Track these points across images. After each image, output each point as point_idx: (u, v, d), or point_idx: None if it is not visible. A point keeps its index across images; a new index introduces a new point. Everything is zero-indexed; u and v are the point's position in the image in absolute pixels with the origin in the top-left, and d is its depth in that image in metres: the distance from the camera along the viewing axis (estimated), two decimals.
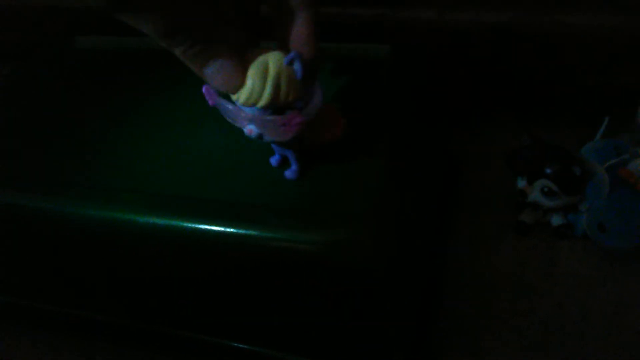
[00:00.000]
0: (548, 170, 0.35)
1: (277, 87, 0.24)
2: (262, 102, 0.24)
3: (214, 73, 0.23)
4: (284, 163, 0.29)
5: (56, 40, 0.46)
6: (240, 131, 0.26)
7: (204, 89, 0.26)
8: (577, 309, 0.33)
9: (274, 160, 0.29)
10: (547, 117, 0.45)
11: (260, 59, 0.24)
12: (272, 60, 0.24)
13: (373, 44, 0.37)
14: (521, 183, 0.36)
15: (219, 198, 0.27)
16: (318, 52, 0.25)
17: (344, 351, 0.29)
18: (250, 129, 0.25)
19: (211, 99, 0.26)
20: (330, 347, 0.29)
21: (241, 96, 0.24)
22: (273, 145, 0.28)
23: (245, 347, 0.31)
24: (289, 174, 0.28)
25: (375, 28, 0.45)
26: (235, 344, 0.32)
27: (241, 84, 0.24)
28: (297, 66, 0.24)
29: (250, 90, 0.24)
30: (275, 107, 0.24)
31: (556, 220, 0.37)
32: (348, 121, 0.28)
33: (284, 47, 0.25)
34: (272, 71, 0.24)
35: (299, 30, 0.25)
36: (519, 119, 0.45)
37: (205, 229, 0.26)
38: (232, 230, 0.25)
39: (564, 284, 0.34)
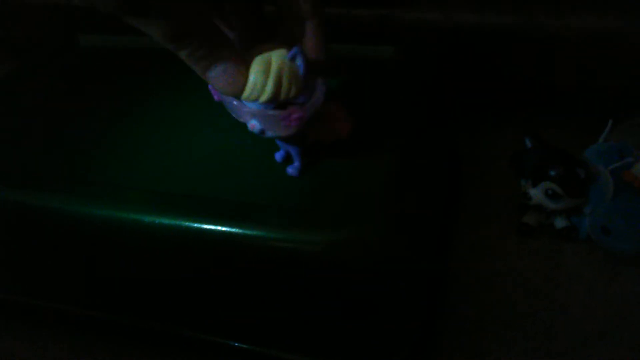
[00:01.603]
0: (552, 173, 0.35)
1: (279, 82, 0.24)
2: (264, 97, 0.24)
3: (218, 76, 0.24)
4: (289, 159, 0.29)
5: (59, 39, 0.46)
6: (244, 130, 0.26)
7: (210, 85, 0.26)
8: (581, 311, 0.33)
9: (278, 156, 0.29)
10: (551, 119, 0.45)
11: (264, 55, 0.24)
12: (275, 56, 0.24)
13: (378, 45, 0.37)
14: (525, 185, 0.36)
15: (222, 197, 0.27)
16: (326, 59, 0.25)
17: (346, 351, 0.29)
18: (252, 124, 0.25)
19: (217, 95, 0.26)
20: (332, 347, 0.29)
21: (244, 91, 0.24)
22: (277, 141, 0.28)
23: (248, 347, 0.31)
24: (291, 170, 0.28)
25: (381, 29, 0.45)
26: (238, 344, 0.31)
27: (244, 86, 0.24)
28: (299, 62, 0.24)
29: (253, 85, 0.24)
30: (277, 102, 0.24)
31: (560, 222, 0.37)
32: (354, 121, 0.28)
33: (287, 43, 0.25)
34: (274, 67, 0.24)
35: (310, 39, 0.25)
36: (523, 121, 0.45)
37: (209, 228, 0.26)
38: (235, 229, 0.25)
39: (567, 286, 0.34)
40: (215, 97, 0.26)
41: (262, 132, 0.25)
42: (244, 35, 0.28)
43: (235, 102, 0.25)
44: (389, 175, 0.28)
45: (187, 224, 0.26)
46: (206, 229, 0.26)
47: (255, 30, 0.28)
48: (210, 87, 0.26)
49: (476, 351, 0.31)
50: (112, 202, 0.28)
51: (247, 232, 0.25)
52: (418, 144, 0.33)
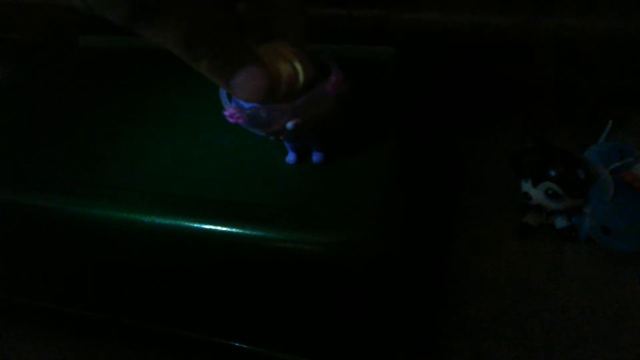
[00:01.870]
0: (552, 173, 0.34)
1: (303, 62, 0.24)
2: (301, 80, 0.24)
3: (243, 82, 0.22)
4: (301, 159, 0.29)
5: (60, 39, 0.46)
6: (244, 130, 0.26)
7: (226, 112, 0.25)
8: (581, 311, 0.33)
9: (290, 159, 0.29)
10: (551, 119, 0.45)
11: (273, 51, 0.24)
12: (281, 46, 0.24)
13: (377, 46, 0.37)
14: (525, 185, 0.36)
15: (223, 198, 0.27)
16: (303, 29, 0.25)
17: (346, 352, 0.29)
18: (295, 121, 0.25)
19: (239, 118, 0.25)
20: (332, 348, 0.29)
21: (280, 88, 0.24)
22: (286, 144, 0.28)
23: (248, 347, 0.31)
24: (316, 158, 0.29)
25: (379, 29, 0.45)
26: (238, 344, 0.31)
27: (269, 88, 0.23)
28: (304, 44, 0.24)
29: (287, 76, 0.24)
30: (307, 86, 0.25)
31: (560, 222, 0.37)
32: (352, 123, 0.28)
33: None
34: (289, 52, 0.24)
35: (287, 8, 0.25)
36: (522, 121, 0.45)
37: (209, 229, 0.26)
38: (237, 230, 0.25)
39: (568, 286, 0.34)
40: (234, 121, 0.26)
41: (302, 126, 0.25)
42: (255, 35, 0.26)
43: (266, 114, 0.25)
44: (387, 176, 0.28)
45: (187, 224, 0.26)
46: (207, 230, 0.26)
47: (265, 28, 0.28)
48: (227, 114, 0.25)
49: (476, 352, 0.31)
50: (112, 203, 0.28)
51: (248, 232, 0.25)
52: (417, 145, 0.33)
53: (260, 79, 0.23)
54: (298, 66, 0.24)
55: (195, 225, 0.26)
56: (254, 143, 0.29)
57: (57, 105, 0.38)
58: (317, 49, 0.26)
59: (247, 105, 0.25)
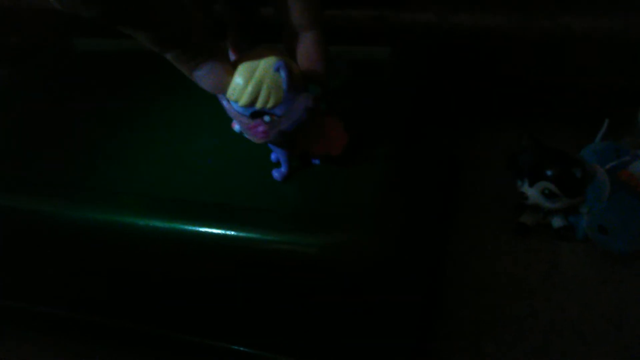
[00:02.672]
0: (548, 172, 0.35)
1: (258, 90, 0.24)
2: (242, 101, 0.24)
3: (204, 76, 0.24)
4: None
5: (55, 43, 0.46)
6: (240, 134, 0.26)
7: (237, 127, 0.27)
8: (578, 311, 0.33)
9: (274, 157, 0.29)
10: (547, 119, 0.45)
11: (253, 61, 0.24)
12: (262, 63, 0.24)
13: (374, 47, 0.37)
14: (522, 185, 0.36)
15: (220, 201, 0.27)
16: (326, 74, 0.26)
17: (345, 353, 0.29)
18: (233, 124, 0.27)
19: (265, 133, 0.26)
20: (331, 350, 0.29)
21: (227, 91, 0.25)
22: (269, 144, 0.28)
23: (246, 350, 0.31)
24: (276, 174, 0.28)
25: (376, 30, 0.45)
26: (236, 347, 0.31)
27: (228, 83, 0.25)
28: (283, 75, 0.24)
29: (234, 87, 0.24)
30: (253, 109, 0.25)
31: (557, 222, 0.37)
32: (348, 125, 0.28)
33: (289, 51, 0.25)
34: (257, 74, 0.24)
35: (308, 51, 0.25)
36: (519, 121, 0.45)
37: (207, 232, 0.26)
38: (233, 233, 0.25)
39: (565, 286, 0.34)
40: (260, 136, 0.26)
41: (241, 133, 0.26)
42: (238, 36, 0.28)
43: (224, 101, 0.26)
44: (385, 178, 0.28)
45: (183, 228, 0.26)
46: (205, 233, 0.26)
47: (250, 32, 0.28)
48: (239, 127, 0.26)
49: (475, 352, 0.31)
50: (109, 207, 0.28)
51: (246, 235, 0.25)
52: (413, 147, 0.33)
53: (220, 75, 0.24)
54: (249, 88, 0.24)
55: (193, 228, 0.26)
56: (249, 147, 0.29)
57: (53, 109, 0.38)
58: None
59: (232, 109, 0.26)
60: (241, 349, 0.31)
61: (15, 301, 0.36)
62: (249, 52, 0.25)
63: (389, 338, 0.29)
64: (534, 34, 0.43)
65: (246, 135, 0.26)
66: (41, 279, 0.34)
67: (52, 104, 0.39)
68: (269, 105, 0.24)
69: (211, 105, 0.27)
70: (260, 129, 0.25)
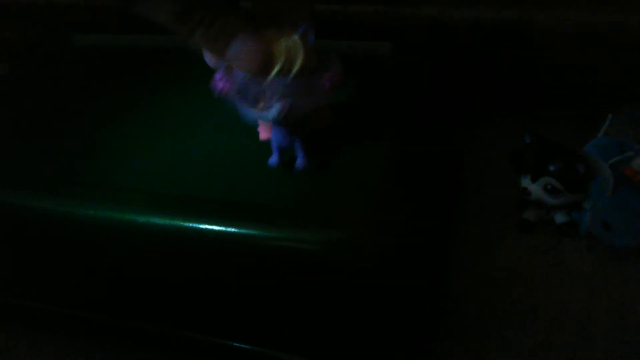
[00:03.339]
0: (551, 168, 0.34)
1: (304, 50, 0.24)
2: (297, 66, 0.24)
3: (239, 50, 0.23)
4: (283, 162, 0.29)
5: (54, 39, 0.46)
6: (239, 130, 0.26)
7: (216, 75, 0.25)
8: (581, 307, 0.33)
9: (272, 160, 0.29)
10: (550, 114, 0.45)
11: (276, 31, 0.24)
12: (287, 31, 0.24)
13: (375, 42, 0.37)
14: (524, 181, 0.36)
15: (219, 197, 0.27)
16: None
17: (345, 351, 0.29)
18: (284, 103, 0.24)
19: (227, 82, 0.26)
20: (331, 347, 0.29)
21: (275, 66, 0.24)
22: (273, 141, 0.28)
23: (246, 347, 0.31)
24: (298, 164, 0.28)
25: (377, 25, 0.45)
26: (236, 344, 0.31)
27: (265, 59, 0.24)
28: (310, 35, 0.24)
29: (286, 57, 0.24)
30: (304, 73, 0.24)
31: (560, 218, 0.37)
32: (349, 121, 0.28)
33: None
34: (294, 38, 0.24)
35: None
36: (522, 116, 0.45)
37: (206, 229, 0.26)
38: (232, 229, 0.25)
39: (568, 282, 0.34)
40: (221, 86, 0.26)
41: (289, 110, 0.25)
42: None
43: (255, 88, 0.25)
44: (385, 175, 0.28)
45: (182, 224, 0.26)
46: (202, 229, 0.26)
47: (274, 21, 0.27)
48: (213, 82, 0.25)
49: (477, 349, 0.31)
50: (107, 203, 0.28)
51: (244, 232, 0.25)
52: (414, 143, 0.33)
53: (256, 49, 0.23)
54: (299, 48, 0.24)
55: (192, 225, 0.26)
56: (251, 143, 0.29)
57: (51, 105, 0.38)
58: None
59: (241, 74, 0.25)
60: (241, 346, 0.31)
61: (14, 299, 0.36)
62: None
63: (388, 336, 0.28)
64: (535, 29, 0.43)
65: (299, 105, 0.25)
66: (40, 277, 0.34)
67: (50, 100, 0.38)
68: (313, 62, 0.24)
69: (210, 101, 0.26)
70: (329, 74, 0.25)
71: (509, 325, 0.32)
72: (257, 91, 0.25)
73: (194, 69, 0.29)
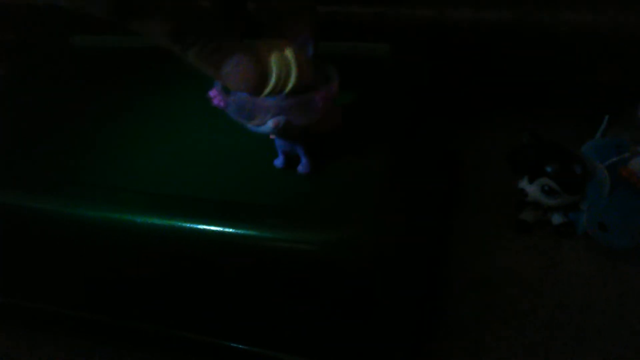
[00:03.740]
0: (548, 169, 0.34)
1: (300, 68, 0.24)
2: (290, 85, 0.24)
3: (233, 70, 0.23)
4: (288, 164, 0.29)
5: (53, 40, 0.46)
6: (237, 130, 0.26)
7: (211, 92, 0.25)
8: (579, 308, 0.33)
9: (278, 162, 0.29)
10: (547, 115, 0.45)
11: (271, 45, 0.24)
12: (283, 44, 0.24)
13: (373, 43, 0.37)
14: (521, 182, 0.36)
15: (218, 198, 0.27)
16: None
17: (344, 351, 0.29)
18: (277, 120, 0.25)
19: (222, 101, 0.26)
20: (329, 348, 0.29)
21: (268, 85, 0.24)
22: (277, 146, 0.28)
23: (244, 347, 0.31)
24: (301, 168, 0.28)
25: (375, 26, 0.45)
26: (234, 345, 0.31)
27: (259, 79, 0.24)
28: (310, 48, 0.24)
29: (278, 76, 0.24)
30: (298, 90, 0.24)
31: (557, 218, 0.37)
32: (349, 121, 0.28)
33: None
34: (290, 55, 0.24)
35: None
36: (519, 117, 0.45)
37: (205, 229, 0.26)
38: (231, 230, 0.25)
39: (565, 283, 0.34)
40: (216, 102, 0.26)
41: (285, 125, 0.25)
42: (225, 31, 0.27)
43: (250, 103, 0.25)
44: (384, 175, 0.28)
45: (182, 224, 0.26)
46: (201, 230, 0.26)
47: (236, 27, 0.28)
48: (213, 93, 0.25)
49: (475, 349, 0.31)
50: (106, 204, 0.28)
51: (242, 232, 0.25)
52: (413, 143, 0.33)
53: (249, 69, 0.23)
54: (292, 66, 0.24)
55: (192, 225, 0.26)
56: (249, 142, 0.29)
57: (51, 106, 0.38)
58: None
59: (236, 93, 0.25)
60: (240, 346, 0.31)
61: (14, 299, 0.36)
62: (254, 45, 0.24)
63: (388, 336, 0.28)
64: (533, 29, 0.43)
65: (296, 122, 0.25)
66: (40, 277, 0.34)
67: (50, 100, 0.38)
68: (310, 79, 0.24)
69: (208, 102, 0.26)
70: (321, 94, 0.25)
71: (507, 325, 0.32)
72: (252, 108, 0.25)
73: (194, 69, 0.29)
